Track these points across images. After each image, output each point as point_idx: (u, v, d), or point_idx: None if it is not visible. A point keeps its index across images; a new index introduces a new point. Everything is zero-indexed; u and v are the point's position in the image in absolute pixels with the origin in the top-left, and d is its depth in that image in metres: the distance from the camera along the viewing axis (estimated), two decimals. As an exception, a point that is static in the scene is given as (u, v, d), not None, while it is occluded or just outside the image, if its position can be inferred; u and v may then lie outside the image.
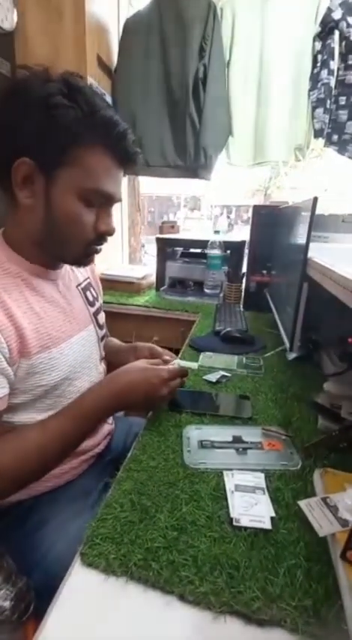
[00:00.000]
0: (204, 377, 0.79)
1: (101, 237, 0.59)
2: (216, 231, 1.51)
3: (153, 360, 0.67)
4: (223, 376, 0.80)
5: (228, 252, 1.49)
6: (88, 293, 0.74)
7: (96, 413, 0.57)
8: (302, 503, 0.41)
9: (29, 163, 0.50)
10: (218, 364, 0.86)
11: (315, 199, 0.63)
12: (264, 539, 0.39)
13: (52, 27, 1.39)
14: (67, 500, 0.60)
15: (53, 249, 0.59)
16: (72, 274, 0.70)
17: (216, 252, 1.46)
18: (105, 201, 0.57)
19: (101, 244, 0.61)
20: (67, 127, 0.49)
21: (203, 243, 1.51)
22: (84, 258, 0.61)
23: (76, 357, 0.63)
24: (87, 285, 0.75)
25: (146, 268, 1.69)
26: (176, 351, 1.04)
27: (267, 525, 0.40)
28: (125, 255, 2.00)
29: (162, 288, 1.58)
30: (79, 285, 0.72)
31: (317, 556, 0.37)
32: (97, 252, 0.62)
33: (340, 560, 0.35)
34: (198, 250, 1.60)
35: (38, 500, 0.59)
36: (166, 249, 1.58)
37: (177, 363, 0.72)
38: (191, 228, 1.77)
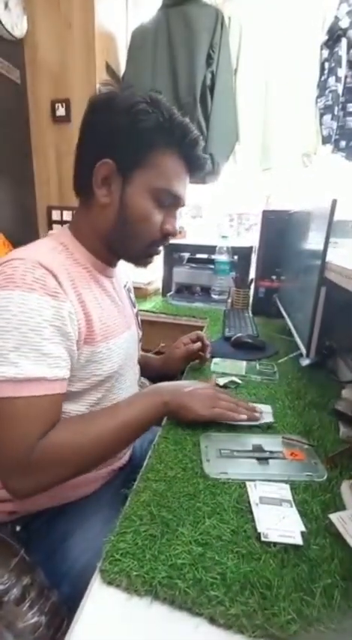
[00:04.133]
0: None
1: (165, 237, 0.62)
2: (224, 237, 1.50)
3: None
4: (232, 382, 0.78)
5: (236, 257, 1.48)
6: (131, 295, 0.78)
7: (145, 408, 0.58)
8: (334, 518, 0.39)
9: (110, 164, 0.54)
10: (230, 370, 0.84)
11: (334, 201, 0.62)
12: (295, 556, 0.37)
13: (62, 34, 1.40)
14: (93, 509, 0.59)
15: (119, 247, 0.62)
16: (119, 276, 0.73)
17: (224, 257, 1.45)
18: (173, 202, 0.60)
19: (164, 244, 0.64)
20: (148, 131, 0.54)
21: (210, 249, 1.50)
22: (146, 257, 0.65)
23: (125, 353, 0.65)
24: (129, 288, 0.79)
25: (152, 273, 1.68)
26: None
27: (298, 541, 0.38)
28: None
29: (168, 294, 1.56)
30: (125, 286, 0.75)
31: (354, 574, 0.35)
32: (158, 253, 0.65)
33: (381, 580, 0.32)
34: (205, 256, 1.59)
35: (63, 510, 0.58)
36: (173, 254, 1.57)
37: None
38: (193, 235, 1.77)
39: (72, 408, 0.57)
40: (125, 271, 0.80)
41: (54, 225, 1.68)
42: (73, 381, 0.55)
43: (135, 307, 0.78)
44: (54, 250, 0.56)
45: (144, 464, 0.52)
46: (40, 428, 0.47)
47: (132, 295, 0.80)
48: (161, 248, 0.65)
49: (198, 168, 0.61)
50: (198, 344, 0.85)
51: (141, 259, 0.65)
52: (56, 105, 1.52)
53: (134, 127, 0.53)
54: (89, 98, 0.58)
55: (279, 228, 1.24)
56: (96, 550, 0.38)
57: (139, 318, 0.80)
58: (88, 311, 0.55)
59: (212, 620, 0.32)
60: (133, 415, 0.56)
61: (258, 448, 0.54)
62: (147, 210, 0.57)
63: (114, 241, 0.60)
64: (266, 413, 0.64)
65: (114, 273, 0.68)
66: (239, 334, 1.02)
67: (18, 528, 0.57)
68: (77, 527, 0.56)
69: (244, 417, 0.60)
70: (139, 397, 0.60)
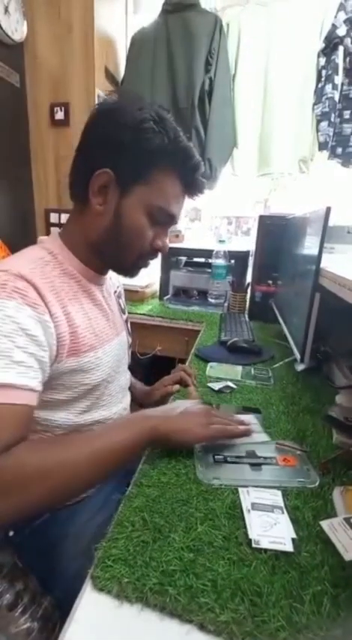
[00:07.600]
0: (208, 384, 0.79)
1: (154, 252, 0.63)
2: (221, 241, 1.50)
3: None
4: (227, 387, 0.78)
5: (233, 261, 1.48)
6: (121, 301, 0.79)
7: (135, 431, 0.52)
8: (325, 525, 0.39)
9: (109, 174, 0.55)
10: (225, 374, 0.85)
11: (329, 209, 0.63)
12: (285, 563, 0.37)
13: (62, 38, 1.41)
14: (85, 515, 0.58)
15: (109, 256, 0.62)
16: (110, 282, 0.73)
17: (221, 261, 1.46)
18: (167, 220, 0.61)
19: (152, 259, 0.65)
20: (152, 150, 0.54)
21: (207, 253, 1.51)
22: (135, 268, 0.66)
23: (114, 360, 0.66)
24: (119, 294, 0.79)
25: (149, 277, 1.68)
26: (181, 361, 1.02)
27: (289, 547, 0.38)
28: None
29: (165, 297, 1.57)
30: (115, 292, 0.76)
31: (344, 581, 0.35)
32: (146, 265, 0.66)
33: (370, 587, 0.33)
34: (203, 260, 1.60)
35: (56, 515, 0.58)
36: (171, 258, 1.58)
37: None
38: (191, 238, 1.78)
39: (61, 416, 0.57)
40: (116, 277, 0.79)
41: (52, 228, 1.69)
42: (60, 390, 0.55)
43: (125, 314, 0.78)
44: (40, 261, 0.55)
45: (137, 469, 0.52)
46: (2, 439, 0.42)
47: (122, 301, 0.80)
48: (149, 262, 0.66)
49: (195, 191, 0.63)
50: (177, 386, 0.78)
51: (129, 271, 0.66)
52: (55, 109, 1.53)
53: (139, 143, 0.54)
54: (96, 105, 0.58)
55: (276, 233, 1.24)
56: (89, 556, 0.38)
57: (129, 324, 0.80)
58: (72, 323, 0.55)
59: (202, 627, 0.32)
60: (114, 441, 0.49)
61: (252, 454, 0.55)
62: (140, 224, 0.58)
63: (104, 250, 0.61)
64: (254, 425, 0.62)
65: (104, 280, 0.68)
66: (235, 338, 1.02)
67: (11, 533, 0.56)
68: (69, 533, 0.56)
69: (243, 428, 0.58)
70: (122, 422, 0.59)
